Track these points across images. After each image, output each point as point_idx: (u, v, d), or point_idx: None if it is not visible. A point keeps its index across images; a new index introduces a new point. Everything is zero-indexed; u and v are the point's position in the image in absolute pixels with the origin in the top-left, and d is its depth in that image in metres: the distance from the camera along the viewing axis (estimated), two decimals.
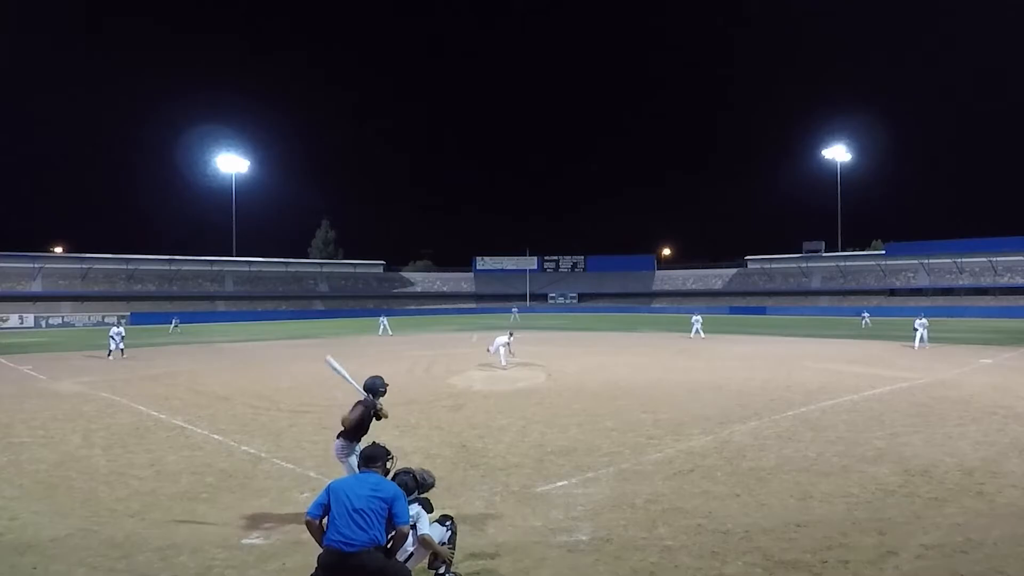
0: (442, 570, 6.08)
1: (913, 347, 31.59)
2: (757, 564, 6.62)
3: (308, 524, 5.58)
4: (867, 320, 56.65)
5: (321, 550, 5.39)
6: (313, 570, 5.42)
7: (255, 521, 8.05)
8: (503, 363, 24.72)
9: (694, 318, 42.91)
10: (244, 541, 7.40)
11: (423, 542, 5.86)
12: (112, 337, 32.29)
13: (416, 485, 6.44)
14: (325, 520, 5.46)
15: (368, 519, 5.37)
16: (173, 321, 60.86)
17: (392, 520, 5.50)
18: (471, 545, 7.20)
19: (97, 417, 15.03)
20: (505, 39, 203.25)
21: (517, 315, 76.63)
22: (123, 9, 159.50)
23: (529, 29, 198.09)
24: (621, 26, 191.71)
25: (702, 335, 40.87)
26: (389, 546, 5.53)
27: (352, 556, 5.22)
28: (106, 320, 71.31)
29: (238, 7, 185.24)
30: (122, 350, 32.17)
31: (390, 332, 48.83)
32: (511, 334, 27.43)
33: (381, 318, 53.23)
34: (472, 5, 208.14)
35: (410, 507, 5.84)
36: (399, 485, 6.00)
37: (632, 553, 6.94)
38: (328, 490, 5.57)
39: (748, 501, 8.64)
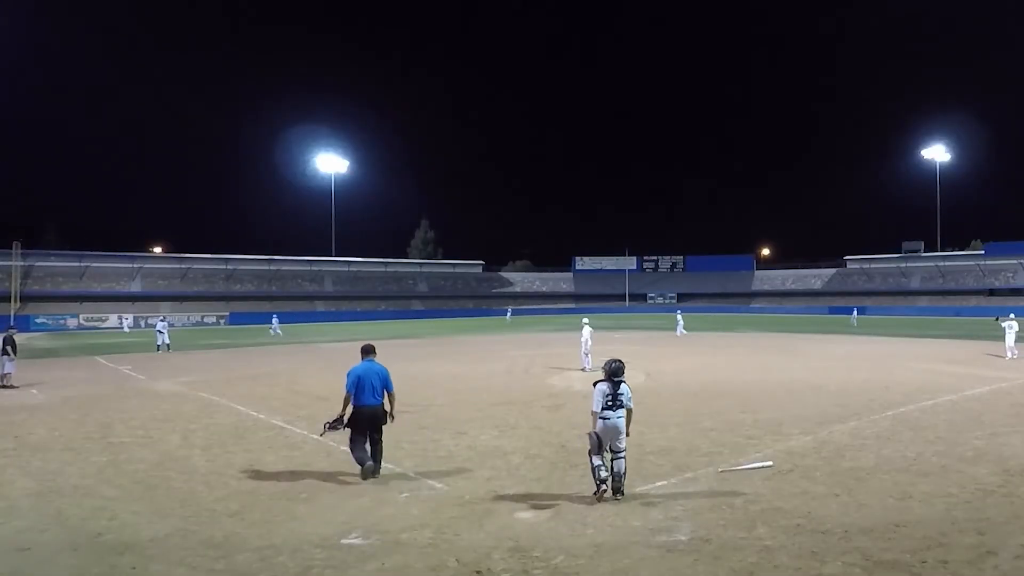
0: (619, 496, 8.77)
1: (1004, 356, 27.05)
2: (856, 564, 6.66)
3: (348, 397, 10.10)
4: (855, 319, 58.71)
5: (352, 409, 10.12)
6: (349, 426, 10.11)
7: (354, 521, 8.13)
8: (587, 365, 24.07)
9: (679, 316, 47.76)
10: (343, 541, 7.46)
11: (629, 412, 9.16)
12: (159, 332, 34.28)
13: (622, 369, 9.21)
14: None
15: (380, 386, 10.22)
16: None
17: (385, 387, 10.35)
18: (570, 545, 7.25)
19: (196, 417, 15.58)
20: (609, 42, 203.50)
21: (509, 317, 76.84)
22: (222, 9, 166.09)
23: (633, 32, 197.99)
24: (722, 27, 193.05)
25: (685, 332, 44.51)
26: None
27: (378, 407, 10.19)
28: (205, 320, 74.25)
29: (340, 7, 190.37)
30: (168, 345, 33.73)
31: (280, 333, 48.10)
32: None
33: (273, 318, 50.25)
34: (580, 7, 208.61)
35: (623, 386, 9.08)
36: (615, 371, 9.10)
37: (731, 553, 6.99)
38: (358, 375, 10.14)
39: (847, 501, 8.75)
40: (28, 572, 6.84)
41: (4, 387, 20.94)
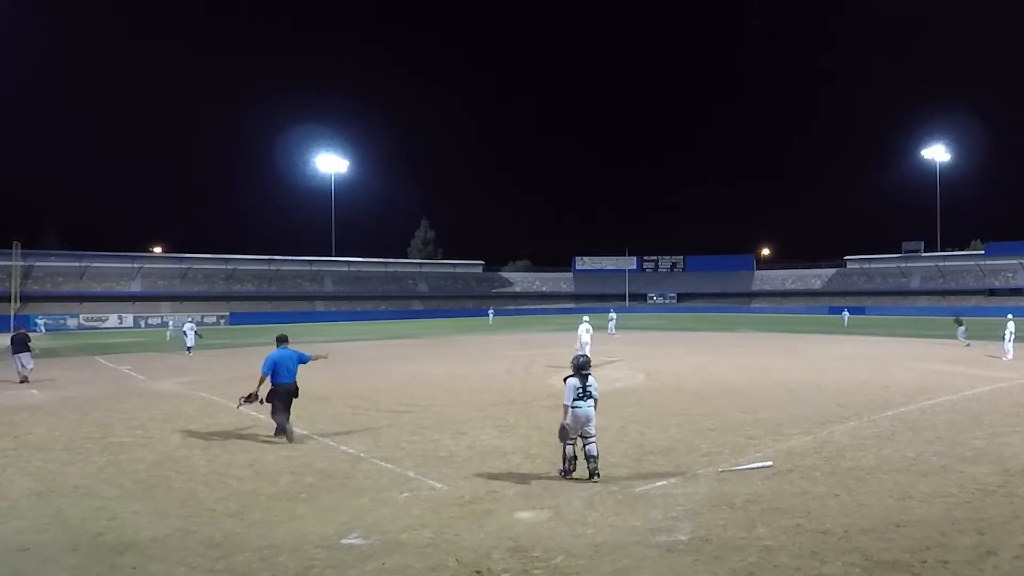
0: (595, 478, 9.56)
1: (1002, 357, 27.15)
2: (856, 564, 6.69)
3: (263, 378, 12.50)
4: (846, 319, 60.30)
5: (272, 387, 12.52)
6: (271, 403, 12.56)
7: (354, 521, 8.13)
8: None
9: (610, 315, 49.02)
10: (344, 541, 7.46)
11: (595, 401, 9.88)
12: (185, 333, 34.37)
13: (589, 363, 10.18)
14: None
15: (294, 368, 12.74)
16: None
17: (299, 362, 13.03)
18: (570, 545, 7.25)
19: (196, 417, 15.58)
20: (609, 40, 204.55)
21: (491, 318, 76.98)
22: (223, 9, 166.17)
23: (634, 30, 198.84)
24: (720, 24, 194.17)
25: (615, 332, 45.06)
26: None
27: (292, 384, 12.64)
28: (205, 320, 74.13)
29: (340, 7, 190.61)
30: (189, 348, 33.99)
31: (200, 337, 47.24)
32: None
33: (187, 324, 40.45)
34: (579, 7, 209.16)
35: (591, 379, 9.85)
36: (582, 365, 9.96)
37: (731, 553, 7.00)
38: (273, 360, 12.55)
39: (847, 501, 8.78)
40: (28, 572, 6.84)
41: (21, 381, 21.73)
